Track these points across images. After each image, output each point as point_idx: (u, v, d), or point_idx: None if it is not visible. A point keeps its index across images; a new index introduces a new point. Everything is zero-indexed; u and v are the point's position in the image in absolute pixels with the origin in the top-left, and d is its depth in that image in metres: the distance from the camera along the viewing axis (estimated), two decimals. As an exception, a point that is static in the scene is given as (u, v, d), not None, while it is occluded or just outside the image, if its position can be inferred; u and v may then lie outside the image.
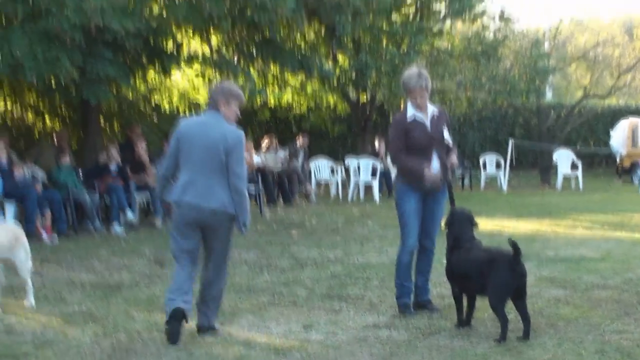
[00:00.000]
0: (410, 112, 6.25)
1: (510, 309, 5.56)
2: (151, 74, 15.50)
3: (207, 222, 5.53)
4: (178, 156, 5.51)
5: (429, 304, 6.43)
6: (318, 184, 17.50)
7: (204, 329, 5.66)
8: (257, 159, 15.35)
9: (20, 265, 6.66)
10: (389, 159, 16.34)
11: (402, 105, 15.71)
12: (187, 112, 18.98)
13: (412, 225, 6.39)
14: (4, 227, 7.83)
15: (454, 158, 6.36)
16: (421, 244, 6.39)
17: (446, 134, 6.31)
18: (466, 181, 19.45)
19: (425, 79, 6.27)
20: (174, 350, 5.41)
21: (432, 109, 6.37)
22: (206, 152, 5.51)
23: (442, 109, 6.83)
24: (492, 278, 5.55)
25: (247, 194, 5.81)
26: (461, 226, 6.09)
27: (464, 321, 5.83)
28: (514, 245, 5.39)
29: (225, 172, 5.50)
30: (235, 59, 15.45)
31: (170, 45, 14.26)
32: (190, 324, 5.84)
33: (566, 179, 19.94)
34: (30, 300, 6.71)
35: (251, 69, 15.54)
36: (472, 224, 6.16)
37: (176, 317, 5.30)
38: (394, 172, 15.59)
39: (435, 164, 6.21)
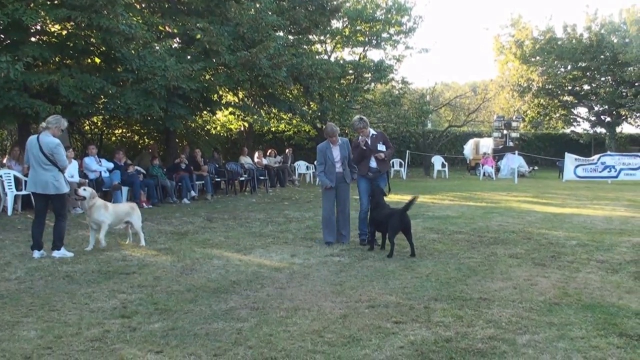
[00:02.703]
0: (359, 138, 8.57)
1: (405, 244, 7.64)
2: (204, 113, 20.22)
3: None
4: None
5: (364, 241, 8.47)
6: (299, 175, 22.42)
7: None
8: (265, 161, 20.08)
9: (135, 224, 8.51)
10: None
11: (347, 132, 20.57)
12: (225, 134, 24.61)
13: (364, 198, 8.50)
14: (126, 203, 10.21)
15: (381, 155, 8.45)
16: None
17: (381, 146, 8.53)
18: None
19: (364, 121, 8.63)
20: (218, 268, 6.84)
21: (372, 133, 8.59)
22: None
23: (380, 132, 8.95)
24: (390, 222, 7.57)
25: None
26: (378, 196, 8.16)
27: (376, 245, 8.04)
28: (411, 201, 7.62)
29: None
30: (252, 105, 20.04)
31: (215, 97, 17.78)
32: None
33: (439, 172, 26.31)
34: (142, 242, 8.51)
35: (261, 111, 20.51)
36: (383, 194, 8.23)
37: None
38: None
39: (372, 163, 8.50)
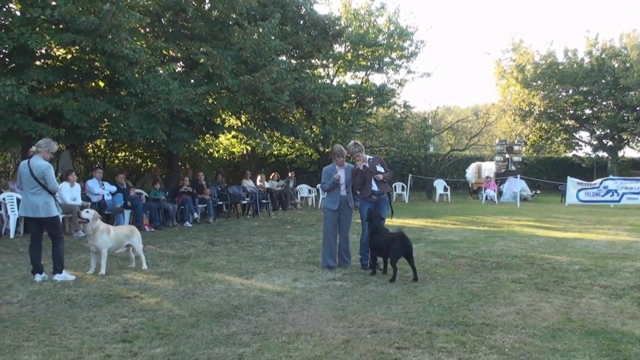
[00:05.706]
0: (357, 163, 8.63)
1: (407, 269, 7.68)
2: (207, 137, 20.31)
3: None
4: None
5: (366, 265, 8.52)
6: (302, 199, 22.56)
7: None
8: (267, 185, 20.16)
9: (136, 246, 8.55)
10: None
11: (348, 157, 22.69)
12: (228, 158, 24.82)
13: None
14: (126, 225, 10.54)
15: (379, 176, 8.45)
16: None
17: (379, 168, 8.56)
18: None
19: (359, 145, 8.69)
20: (219, 292, 6.88)
21: (367, 157, 8.67)
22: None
23: (377, 156, 9.13)
24: (392, 247, 7.55)
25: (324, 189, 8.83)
26: (376, 221, 8.21)
27: (378, 270, 8.06)
28: (400, 230, 7.63)
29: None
30: (255, 128, 19.82)
31: (218, 120, 18.14)
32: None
33: (441, 196, 26.34)
34: (144, 265, 8.53)
35: (264, 134, 20.38)
36: (381, 219, 8.29)
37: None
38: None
39: (374, 185, 8.43)
